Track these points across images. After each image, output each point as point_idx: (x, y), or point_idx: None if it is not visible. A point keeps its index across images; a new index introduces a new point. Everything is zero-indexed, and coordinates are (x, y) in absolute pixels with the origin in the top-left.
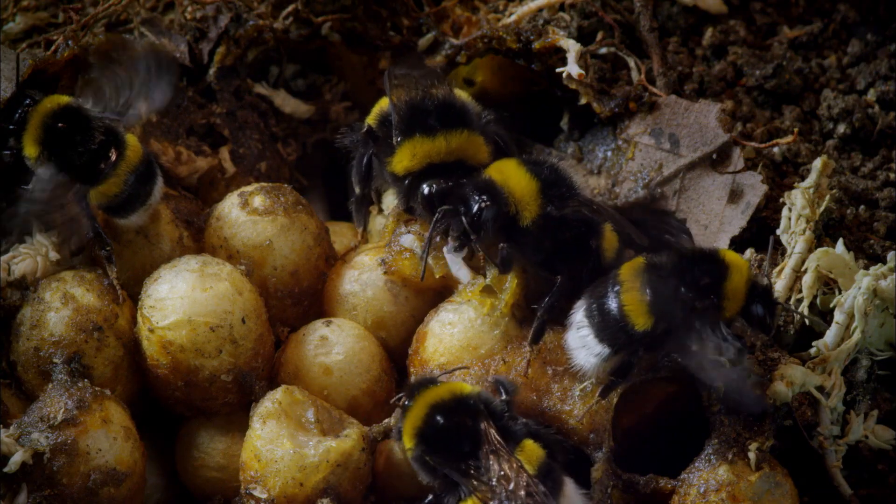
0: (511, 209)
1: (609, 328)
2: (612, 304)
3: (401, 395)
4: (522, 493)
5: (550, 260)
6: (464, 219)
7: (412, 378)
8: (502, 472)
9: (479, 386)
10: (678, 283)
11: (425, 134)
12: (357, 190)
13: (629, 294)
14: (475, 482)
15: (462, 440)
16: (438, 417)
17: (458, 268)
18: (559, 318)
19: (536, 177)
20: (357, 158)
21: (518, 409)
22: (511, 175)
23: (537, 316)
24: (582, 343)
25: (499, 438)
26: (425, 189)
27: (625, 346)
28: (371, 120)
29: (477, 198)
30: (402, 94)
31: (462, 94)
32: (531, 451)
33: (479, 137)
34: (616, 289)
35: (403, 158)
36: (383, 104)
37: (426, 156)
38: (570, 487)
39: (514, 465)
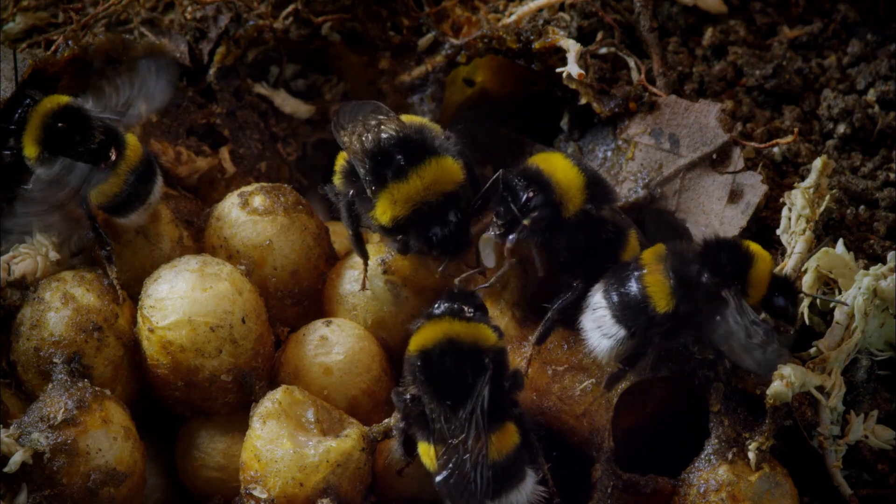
0: (556, 198)
1: (629, 309)
2: (634, 285)
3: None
4: (468, 468)
5: (575, 261)
6: (513, 206)
7: (458, 285)
8: (465, 441)
9: (504, 342)
10: (702, 269)
11: (398, 178)
12: (350, 231)
13: (653, 276)
14: (438, 429)
15: (452, 390)
16: (446, 354)
17: (488, 254)
18: (569, 322)
19: (583, 171)
20: (341, 209)
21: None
22: (558, 166)
23: (547, 316)
24: (597, 324)
25: (485, 409)
26: (438, 232)
27: (642, 329)
28: (336, 179)
29: (525, 186)
30: (356, 141)
31: (414, 119)
32: (508, 436)
33: (446, 159)
34: (638, 272)
35: (387, 209)
36: (342, 159)
37: (408, 199)
38: (528, 485)
39: (480, 443)
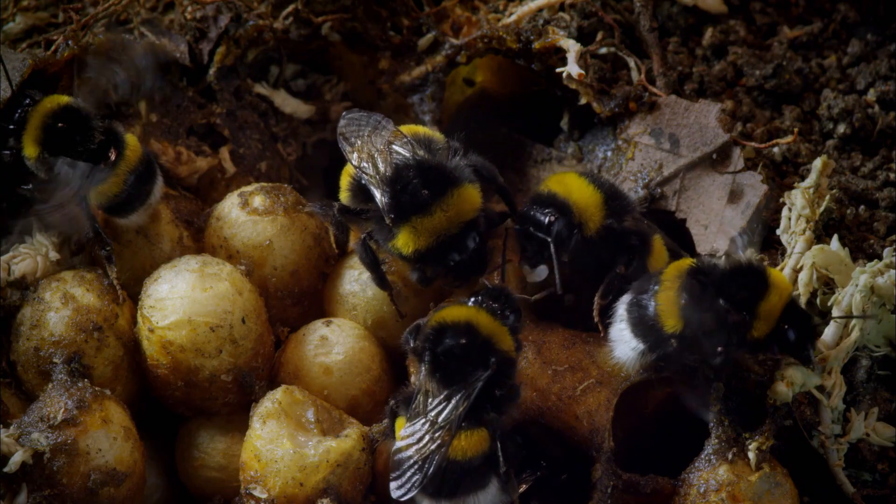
0: (576, 219)
1: (643, 325)
2: (649, 301)
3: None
4: (425, 452)
5: (601, 275)
6: (539, 235)
7: (493, 283)
8: (434, 424)
9: (517, 357)
10: (716, 293)
11: (421, 212)
12: (371, 272)
13: (665, 294)
14: (416, 404)
15: (448, 369)
16: (459, 335)
17: (536, 273)
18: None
19: (600, 188)
20: (359, 249)
21: (518, 409)
22: (574, 187)
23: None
24: (620, 336)
25: (469, 404)
26: (456, 258)
27: (656, 344)
28: (342, 194)
29: (544, 213)
30: (369, 164)
31: (417, 130)
32: (478, 441)
33: (465, 188)
34: (655, 287)
35: (409, 241)
36: (348, 175)
37: (432, 232)
38: (489, 494)
39: (446, 434)
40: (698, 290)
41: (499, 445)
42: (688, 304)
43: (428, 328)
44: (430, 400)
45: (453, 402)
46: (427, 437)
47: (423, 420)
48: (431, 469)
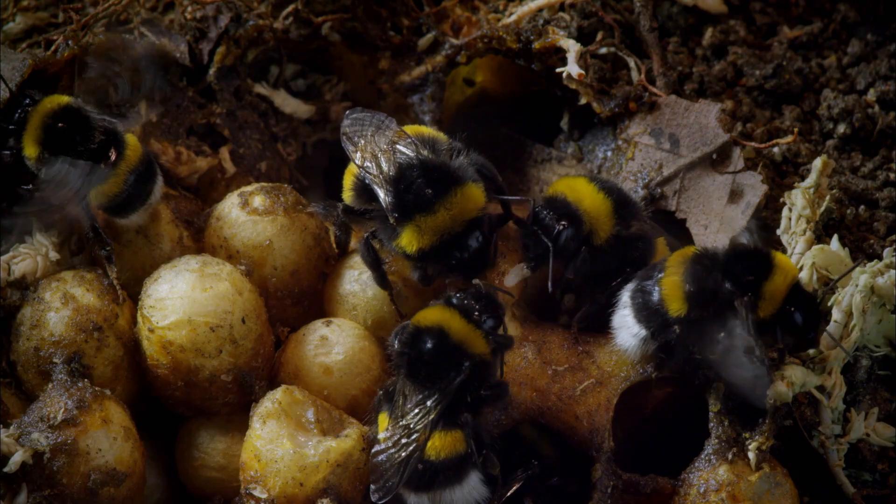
0: (586, 228)
1: (646, 310)
2: (653, 287)
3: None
4: (402, 454)
5: (605, 280)
6: (544, 239)
7: (482, 285)
8: (408, 429)
9: (491, 355)
10: (720, 276)
11: (424, 211)
12: (372, 271)
13: (669, 279)
14: (395, 405)
15: (421, 373)
16: (431, 339)
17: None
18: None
19: (609, 196)
20: (361, 248)
21: (518, 409)
22: (585, 193)
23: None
24: (623, 323)
25: (442, 410)
26: (458, 256)
27: (659, 330)
28: (346, 194)
29: (555, 220)
30: (372, 163)
31: (421, 131)
32: (453, 443)
33: (469, 187)
34: (660, 274)
35: (412, 240)
36: (351, 175)
37: (436, 231)
38: (466, 487)
39: (423, 436)
40: (703, 273)
41: (472, 443)
42: (692, 286)
43: (406, 331)
44: (407, 403)
45: (427, 405)
46: (403, 441)
47: (400, 423)
48: (403, 471)
